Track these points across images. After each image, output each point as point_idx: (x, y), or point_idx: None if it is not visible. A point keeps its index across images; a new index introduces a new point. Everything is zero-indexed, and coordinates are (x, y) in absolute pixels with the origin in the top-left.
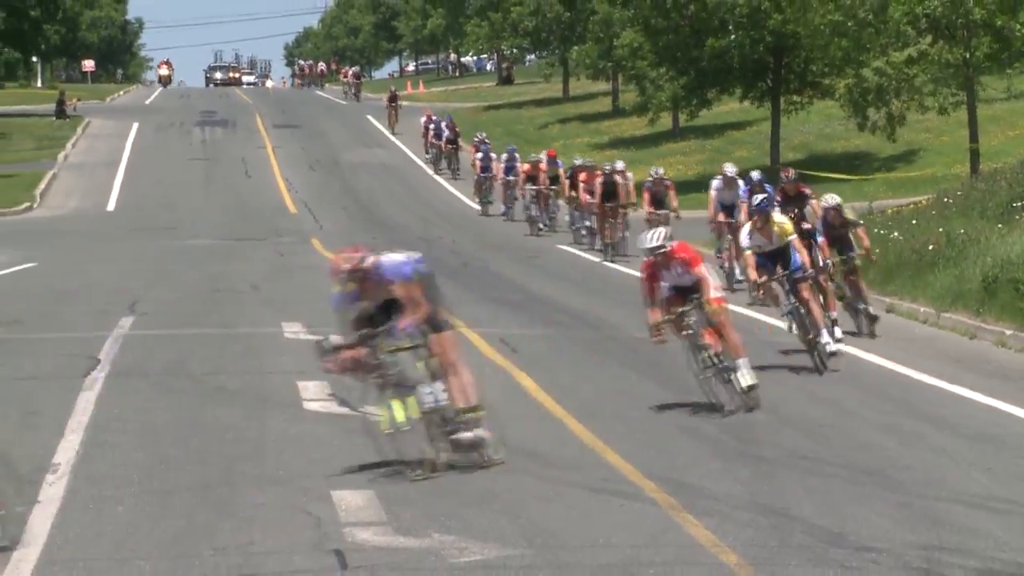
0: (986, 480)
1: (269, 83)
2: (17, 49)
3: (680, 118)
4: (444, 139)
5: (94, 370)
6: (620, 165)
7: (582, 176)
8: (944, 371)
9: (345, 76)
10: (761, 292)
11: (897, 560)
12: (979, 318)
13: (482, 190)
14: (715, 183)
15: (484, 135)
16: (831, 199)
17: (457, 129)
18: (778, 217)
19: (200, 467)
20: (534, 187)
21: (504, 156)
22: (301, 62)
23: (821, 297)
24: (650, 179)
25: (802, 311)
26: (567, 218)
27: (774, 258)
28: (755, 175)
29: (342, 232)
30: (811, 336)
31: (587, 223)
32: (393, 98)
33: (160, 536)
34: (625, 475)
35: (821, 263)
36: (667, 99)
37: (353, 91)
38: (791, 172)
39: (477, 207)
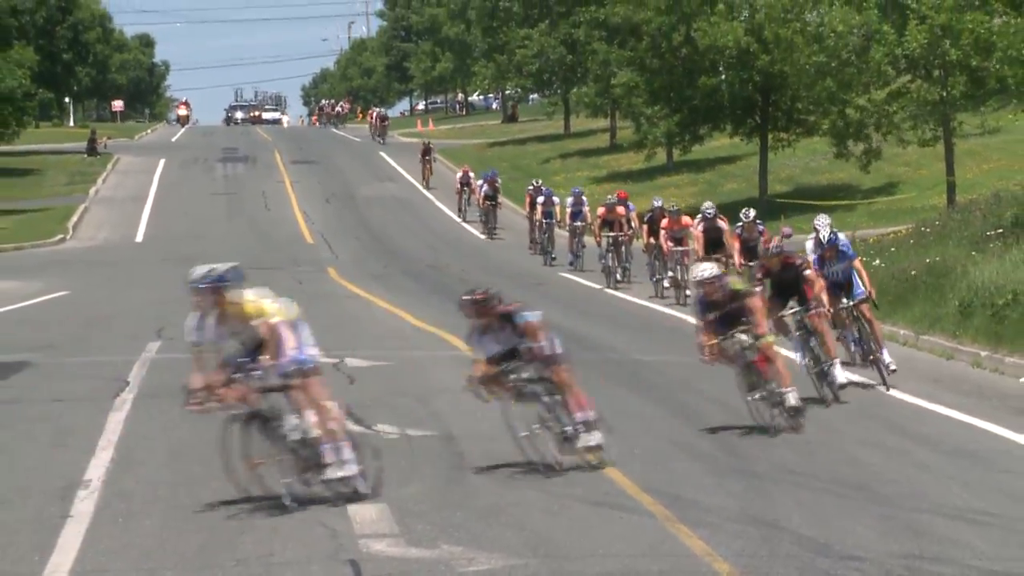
0: (964, 493)
1: (285, 121)
2: (51, 90)
3: (674, 153)
4: (483, 194)
5: (123, 392)
6: (712, 208)
7: (664, 222)
8: (923, 390)
9: (371, 118)
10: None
11: (880, 569)
12: (955, 340)
13: (544, 239)
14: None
15: (540, 181)
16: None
17: (498, 184)
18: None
19: (222, 483)
20: (612, 234)
21: (570, 200)
22: (323, 102)
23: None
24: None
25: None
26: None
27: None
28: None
29: (356, 261)
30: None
31: (670, 274)
32: (427, 151)
33: (185, 548)
34: (624, 489)
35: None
36: (662, 135)
37: (378, 133)
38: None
39: (536, 256)
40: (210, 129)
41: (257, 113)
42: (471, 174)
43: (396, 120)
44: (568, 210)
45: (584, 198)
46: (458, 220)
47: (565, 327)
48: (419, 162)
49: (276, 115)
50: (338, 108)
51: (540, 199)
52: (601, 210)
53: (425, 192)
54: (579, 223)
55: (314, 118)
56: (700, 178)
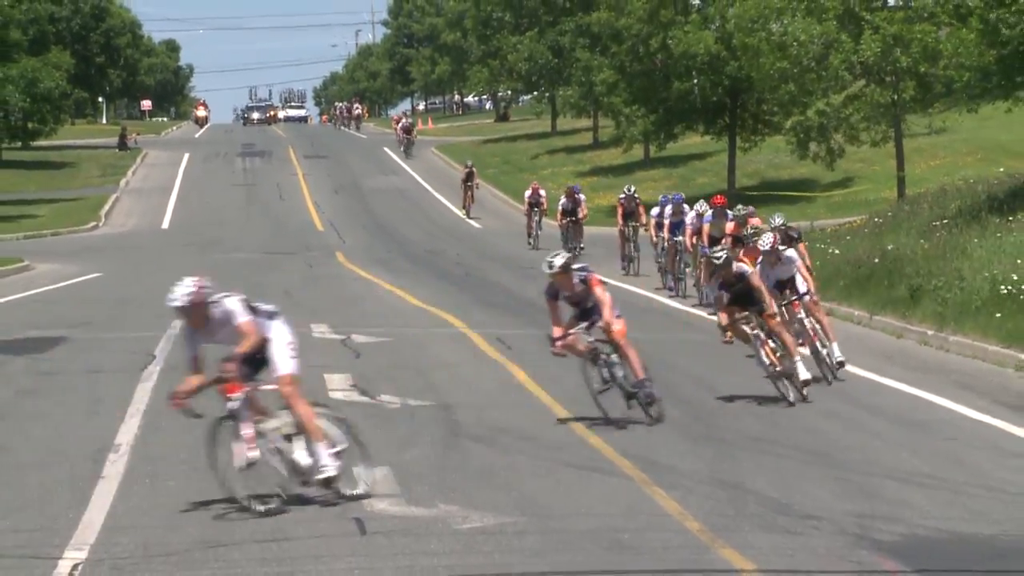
0: (913, 459)
1: (310, 118)
2: (85, 90)
3: (650, 149)
4: (560, 209)
5: (150, 364)
6: (630, 188)
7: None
8: (876, 366)
9: (396, 123)
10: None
11: (835, 527)
12: (905, 321)
13: (676, 264)
14: (691, 215)
15: (633, 188)
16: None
17: (580, 195)
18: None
19: None
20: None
21: (683, 211)
22: (339, 104)
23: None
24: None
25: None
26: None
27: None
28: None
29: (362, 247)
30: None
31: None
32: (469, 176)
33: (206, 507)
34: (604, 455)
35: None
36: (639, 133)
37: (402, 145)
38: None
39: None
40: (231, 127)
41: (273, 113)
42: (541, 192)
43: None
44: (689, 227)
45: (686, 207)
46: (460, 215)
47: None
48: (460, 187)
49: (302, 112)
50: (356, 111)
51: (654, 213)
52: (730, 226)
53: (426, 185)
54: (679, 237)
55: (324, 117)
56: (674, 173)
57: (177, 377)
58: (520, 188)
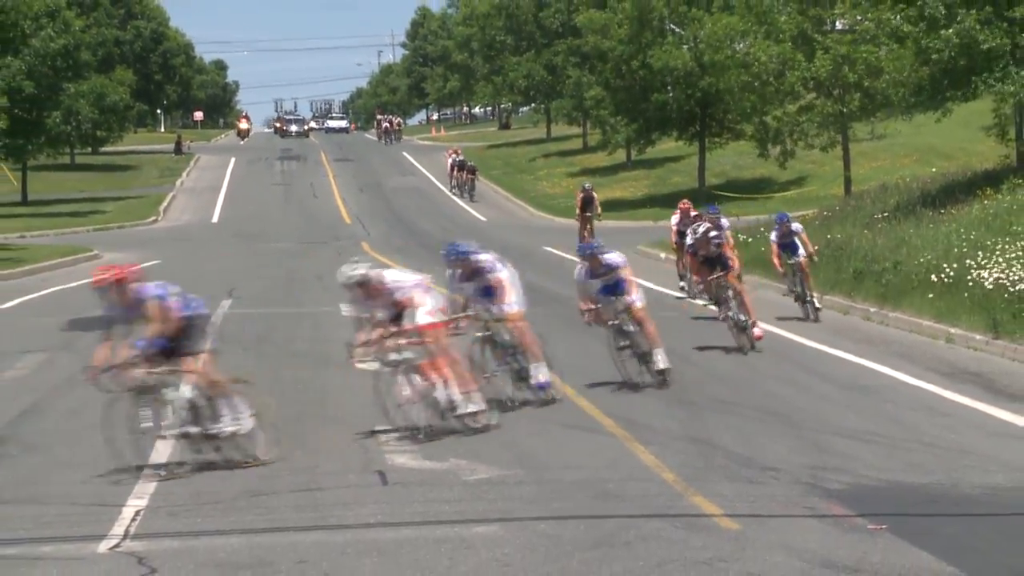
0: (857, 419)
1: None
2: (145, 103)
3: (632, 153)
4: (701, 234)
5: None
6: (588, 184)
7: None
8: (826, 339)
9: (448, 161)
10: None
11: (791, 477)
12: (851, 299)
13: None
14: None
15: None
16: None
17: (723, 221)
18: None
19: (279, 410)
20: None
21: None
22: (379, 117)
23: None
24: (582, 190)
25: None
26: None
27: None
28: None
29: (384, 237)
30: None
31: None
32: (588, 200)
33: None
34: (591, 415)
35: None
36: (622, 139)
37: (463, 187)
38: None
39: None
40: (272, 136)
41: (310, 125)
42: (692, 210)
43: (414, 128)
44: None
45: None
46: (462, 203)
47: (544, 287)
48: (576, 218)
49: (343, 123)
50: (396, 123)
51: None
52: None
53: (439, 185)
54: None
55: (353, 125)
56: (652, 173)
57: (227, 348)
58: (519, 186)
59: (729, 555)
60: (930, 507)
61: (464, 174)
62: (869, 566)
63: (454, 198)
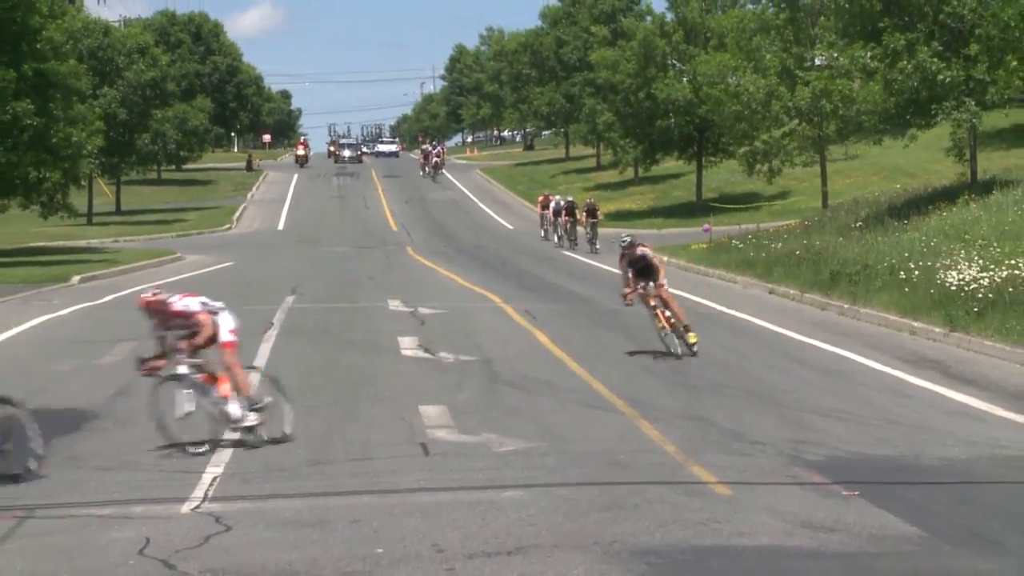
0: (833, 399)
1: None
2: (221, 127)
3: (639, 171)
4: (585, 213)
5: (270, 330)
6: (570, 197)
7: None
8: (806, 331)
9: (542, 207)
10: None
11: (776, 450)
12: (827, 297)
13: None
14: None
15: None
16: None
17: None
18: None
19: (336, 390)
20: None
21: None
22: (424, 146)
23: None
24: (564, 202)
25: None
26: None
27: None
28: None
29: (425, 243)
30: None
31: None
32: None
33: (311, 434)
34: (604, 396)
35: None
36: (631, 158)
37: (567, 237)
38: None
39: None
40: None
41: (364, 150)
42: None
43: (451, 149)
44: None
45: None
46: (496, 216)
47: (564, 286)
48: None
49: (394, 148)
50: (441, 155)
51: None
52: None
53: (473, 198)
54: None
55: (401, 145)
56: (656, 188)
57: (291, 339)
58: None
59: (723, 516)
60: (896, 476)
61: (565, 217)
62: (844, 526)
63: (489, 210)
